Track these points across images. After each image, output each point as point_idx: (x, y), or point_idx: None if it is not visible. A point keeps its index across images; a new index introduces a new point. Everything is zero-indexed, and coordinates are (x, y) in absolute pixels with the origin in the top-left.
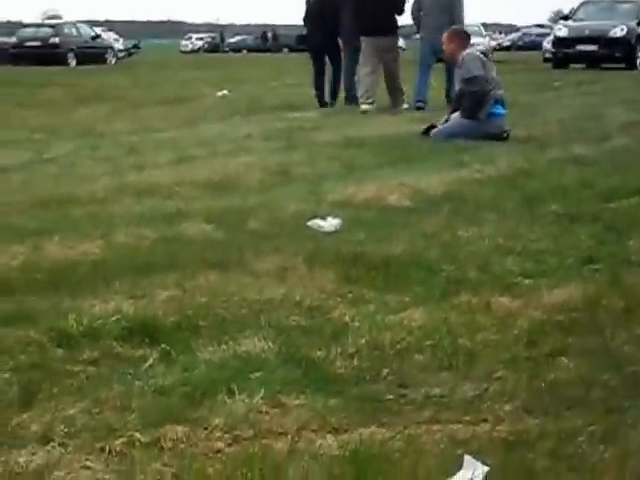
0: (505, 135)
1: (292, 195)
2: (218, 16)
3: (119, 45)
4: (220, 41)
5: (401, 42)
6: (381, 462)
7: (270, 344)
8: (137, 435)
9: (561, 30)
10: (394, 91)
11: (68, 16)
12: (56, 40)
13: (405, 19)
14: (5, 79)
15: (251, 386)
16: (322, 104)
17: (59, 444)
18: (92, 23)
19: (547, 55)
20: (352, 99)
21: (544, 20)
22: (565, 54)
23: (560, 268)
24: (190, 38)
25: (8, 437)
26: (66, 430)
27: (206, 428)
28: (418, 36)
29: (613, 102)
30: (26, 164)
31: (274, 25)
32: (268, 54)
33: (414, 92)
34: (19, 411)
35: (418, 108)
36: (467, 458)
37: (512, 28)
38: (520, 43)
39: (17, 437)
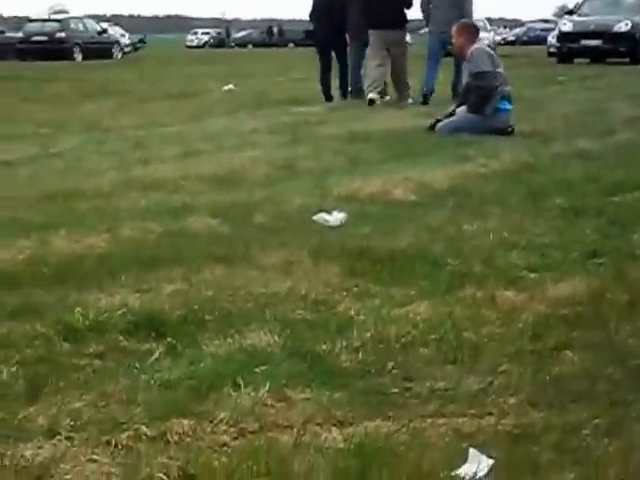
0: (510, 130)
1: (298, 189)
2: (224, 11)
3: (125, 40)
4: (226, 36)
5: (407, 37)
6: (386, 455)
7: (276, 338)
8: (143, 428)
9: (566, 25)
10: (400, 86)
11: (74, 11)
12: (62, 35)
13: (412, 13)
14: (11, 74)
15: (257, 380)
16: (328, 99)
17: (65, 437)
18: (98, 18)
19: (552, 50)
20: (358, 93)
21: (549, 15)
22: (570, 49)
23: (565, 262)
24: (196, 33)
25: (14, 430)
26: (72, 423)
27: (212, 421)
28: (424, 30)
29: (617, 97)
30: (32, 158)
31: (280, 20)
32: (274, 49)
33: (422, 84)
34: (25, 404)
35: (425, 98)
36: (472, 451)
37: (517, 23)
38: (525, 38)
39: (23, 430)
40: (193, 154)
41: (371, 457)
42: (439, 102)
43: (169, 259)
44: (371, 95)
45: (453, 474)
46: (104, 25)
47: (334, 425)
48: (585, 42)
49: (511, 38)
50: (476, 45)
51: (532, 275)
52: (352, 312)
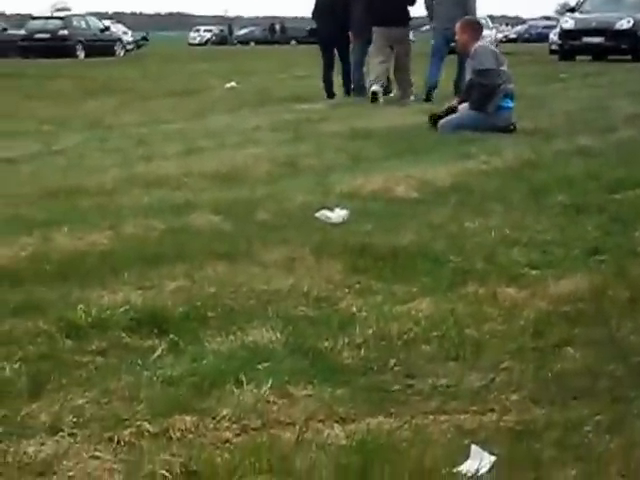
0: (512, 128)
1: (300, 186)
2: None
3: (128, 37)
4: (228, 33)
5: (410, 34)
6: (388, 452)
7: (278, 334)
8: (146, 425)
9: (567, 22)
10: (403, 83)
11: (77, 8)
12: (65, 32)
13: (415, 10)
14: (14, 71)
15: (259, 376)
16: (330, 96)
17: (68, 434)
18: (101, 15)
19: (553, 47)
20: (361, 91)
21: (550, 12)
22: (571, 46)
23: (566, 259)
24: (198, 30)
25: (17, 427)
26: (75, 420)
27: (214, 418)
28: (426, 28)
29: (619, 94)
30: (35, 156)
31: (282, 17)
32: (276, 46)
33: (425, 80)
34: (28, 401)
35: (428, 95)
36: (474, 448)
37: (518, 20)
38: (526, 35)
39: (26, 427)
40: (195, 151)
41: (373, 454)
42: (442, 99)
43: (171, 256)
44: (374, 88)
45: (455, 471)
46: (106, 23)
47: (336, 422)
48: (587, 39)
49: (513, 35)
50: (480, 42)
51: (534, 272)
52: (354, 309)
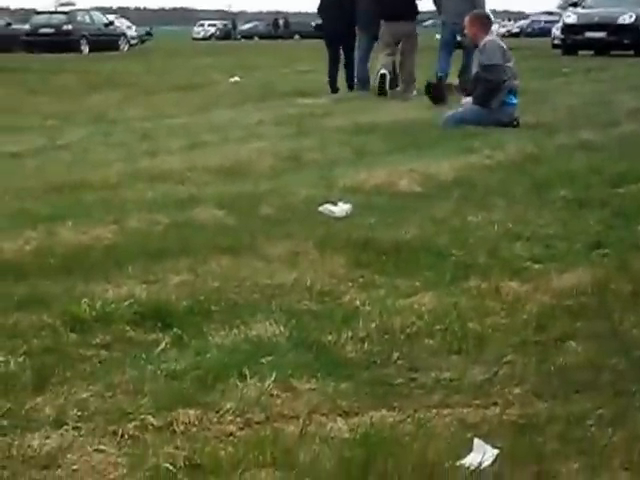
0: (515, 124)
1: (303, 181)
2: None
3: (132, 32)
4: (232, 28)
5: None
6: (391, 445)
7: (281, 328)
8: (150, 419)
9: (570, 17)
10: (406, 78)
11: (81, 3)
12: (69, 27)
13: (421, 5)
14: (18, 66)
15: (262, 370)
16: (334, 90)
17: (72, 427)
18: (105, 10)
19: (556, 42)
20: (364, 85)
21: (553, 7)
22: (574, 41)
23: (569, 253)
24: (202, 25)
25: (22, 420)
26: (79, 414)
27: (218, 412)
28: (429, 22)
29: (622, 89)
30: (39, 150)
31: (285, 12)
32: (279, 41)
33: (435, 71)
34: (32, 395)
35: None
36: (477, 441)
37: (521, 15)
38: (529, 30)
39: (31, 420)
40: (199, 146)
41: (376, 447)
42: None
43: (175, 250)
44: (382, 71)
45: (458, 464)
46: (111, 17)
47: (339, 415)
48: (589, 34)
49: (515, 30)
50: (490, 37)
51: (536, 266)
52: (357, 303)
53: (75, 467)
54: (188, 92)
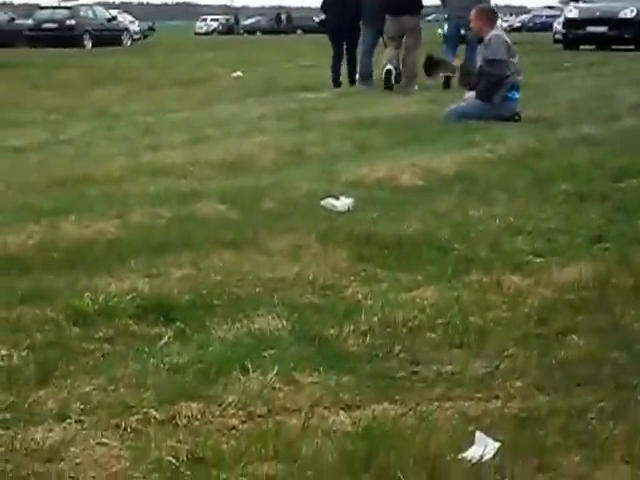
0: (517, 118)
1: (305, 175)
2: None
3: (134, 27)
4: (235, 23)
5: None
6: (393, 438)
7: (284, 322)
8: (152, 412)
9: (571, 11)
10: (408, 73)
11: None
12: (72, 22)
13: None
14: (22, 61)
15: (265, 363)
16: (336, 85)
17: (75, 421)
18: (108, 5)
19: (557, 36)
20: (367, 79)
21: (554, 2)
22: (575, 35)
23: (570, 247)
24: (205, 20)
25: (25, 414)
26: (82, 407)
27: (220, 405)
28: (432, 17)
29: (623, 83)
30: (42, 145)
31: (288, 7)
32: (282, 36)
33: None
34: (36, 388)
35: (447, 80)
36: (479, 434)
37: (523, 10)
38: (530, 24)
39: (34, 414)
40: (202, 140)
41: (378, 440)
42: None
43: (178, 244)
44: (388, 67)
45: (460, 457)
46: (113, 12)
47: (342, 409)
48: (591, 29)
49: (517, 25)
50: (495, 32)
51: (538, 260)
52: (359, 297)
53: (78, 460)
54: (191, 87)
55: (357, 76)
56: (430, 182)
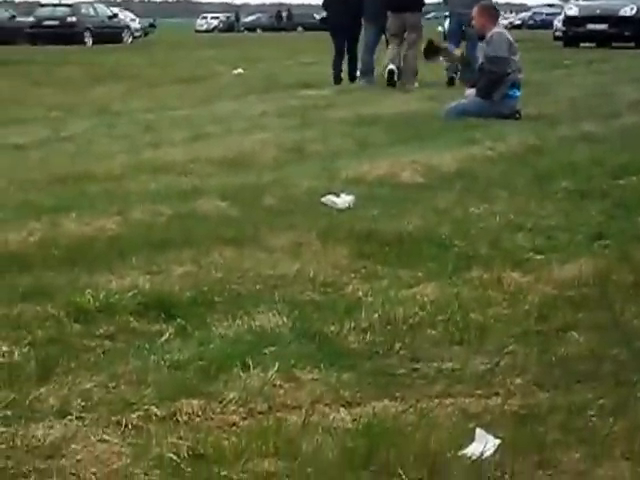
0: (517, 116)
1: (306, 172)
2: None
3: (135, 24)
4: (235, 20)
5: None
6: (394, 435)
7: (284, 319)
8: (153, 409)
9: (572, 9)
10: (408, 70)
11: None
12: (73, 19)
13: None
14: (23, 58)
15: (265, 360)
16: (337, 82)
17: (76, 418)
18: (109, 3)
19: (558, 34)
20: (368, 76)
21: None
22: (575, 33)
23: (570, 244)
24: (205, 17)
25: (26, 410)
26: (83, 404)
27: (221, 402)
28: (432, 15)
29: (623, 81)
30: (43, 142)
31: (288, 4)
32: (283, 33)
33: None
34: (36, 385)
35: (451, 80)
36: (479, 431)
37: (523, 7)
38: (531, 22)
39: (35, 411)
40: (203, 137)
41: (379, 437)
42: (442, 85)
43: (179, 241)
44: (390, 67)
45: (460, 454)
46: (114, 10)
47: (342, 405)
48: (591, 26)
49: (517, 22)
50: (497, 29)
51: (538, 257)
52: (360, 294)
53: (79, 457)
54: (191, 84)
55: (358, 73)
56: (430, 179)
